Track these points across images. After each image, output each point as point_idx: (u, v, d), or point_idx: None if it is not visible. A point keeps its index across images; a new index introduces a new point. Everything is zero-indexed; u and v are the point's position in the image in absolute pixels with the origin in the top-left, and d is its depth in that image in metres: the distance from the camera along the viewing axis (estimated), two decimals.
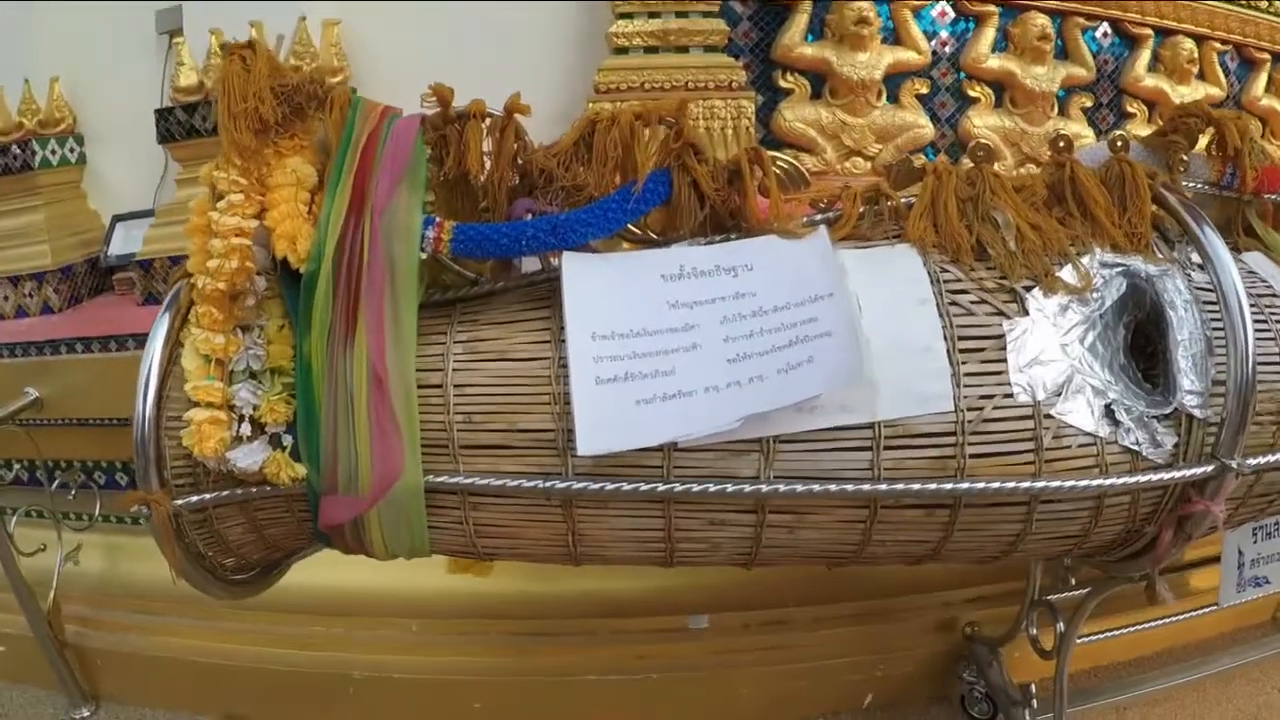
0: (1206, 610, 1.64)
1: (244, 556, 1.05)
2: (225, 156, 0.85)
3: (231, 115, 0.83)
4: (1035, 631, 1.52)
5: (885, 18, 1.96)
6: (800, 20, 1.90)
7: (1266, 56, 2.42)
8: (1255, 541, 1.52)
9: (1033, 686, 1.53)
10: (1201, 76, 2.32)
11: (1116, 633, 1.63)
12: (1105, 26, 2.16)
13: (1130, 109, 2.24)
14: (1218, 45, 2.32)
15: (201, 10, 1.86)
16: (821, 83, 1.96)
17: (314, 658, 1.75)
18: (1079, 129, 2.07)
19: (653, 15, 1.79)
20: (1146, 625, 1.66)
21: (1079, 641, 1.46)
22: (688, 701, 1.74)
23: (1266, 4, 2.35)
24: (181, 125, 1.85)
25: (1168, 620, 1.72)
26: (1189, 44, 2.24)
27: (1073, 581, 1.50)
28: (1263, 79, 2.44)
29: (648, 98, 1.75)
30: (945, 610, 1.82)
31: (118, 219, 2.07)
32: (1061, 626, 1.40)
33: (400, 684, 1.70)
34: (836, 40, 1.92)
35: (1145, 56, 2.22)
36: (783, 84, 1.95)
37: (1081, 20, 2.10)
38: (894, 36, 1.98)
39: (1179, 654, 1.86)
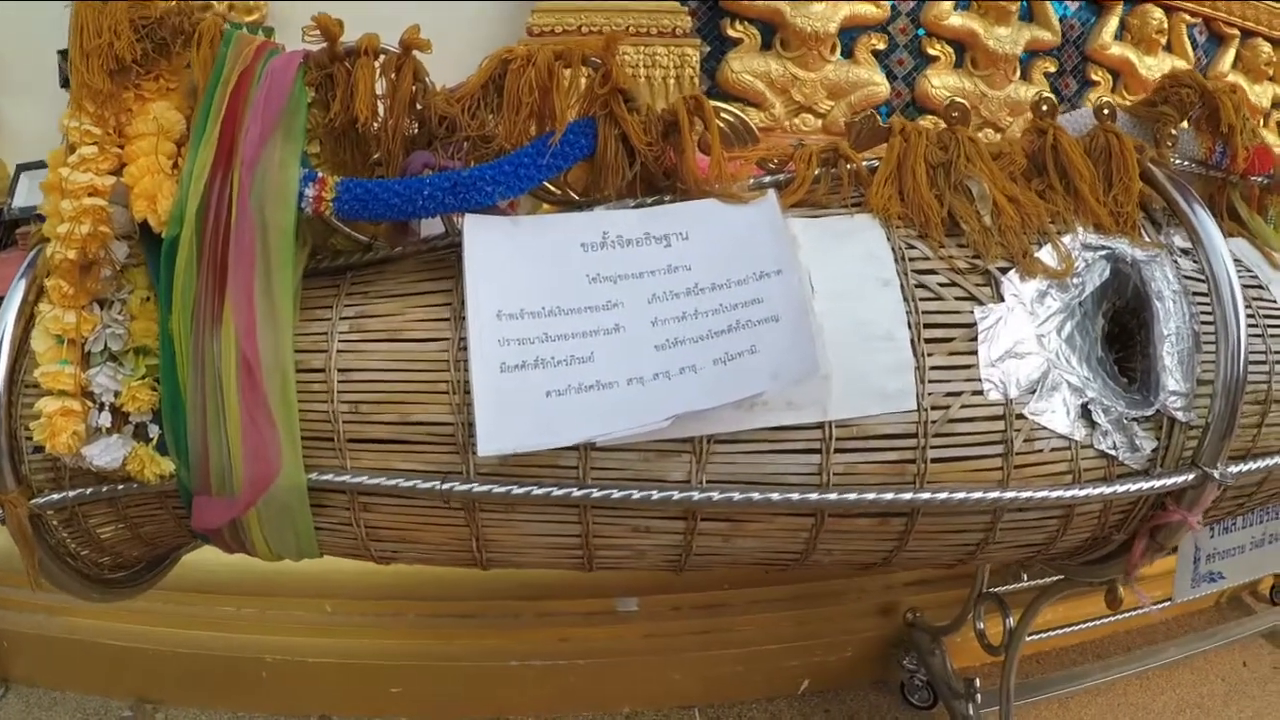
0: (1160, 605, 1.60)
1: (121, 554, 0.92)
2: (76, 103, 0.70)
3: (84, 53, 0.68)
4: (982, 625, 1.45)
5: None
6: None
7: (1235, 32, 2.38)
8: (1212, 537, 1.47)
9: (977, 681, 1.48)
10: (1169, 48, 2.25)
11: (1067, 630, 1.59)
12: None
13: (1094, 76, 2.16)
14: (1187, 17, 2.28)
15: None
16: (772, 33, 1.88)
17: (226, 639, 1.64)
18: (1046, 93, 1.97)
19: None
20: (1096, 622, 1.62)
21: (1028, 638, 1.41)
22: (617, 687, 1.66)
23: None
24: None
25: (1121, 616, 1.69)
26: (1158, 14, 2.19)
27: (1024, 576, 1.44)
28: (1230, 55, 2.40)
29: (579, 47, 1.63)
30: (887, 594, 1.75)
31: (22, 168, 1.92)
32: (1011, 623, 1.32)
33: (315, 667, 1.60)
34: None
35: (1113, 24, 2.15)
36: (731, 33, 1.85)
37: None
38: None
39: (1124, 641, 1.83)
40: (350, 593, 1.70)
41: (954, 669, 1.57)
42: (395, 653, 1.63)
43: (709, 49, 1.83)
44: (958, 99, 0.95)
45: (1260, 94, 2.46)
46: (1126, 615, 1.70)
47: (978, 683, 1.47)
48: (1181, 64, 2.27)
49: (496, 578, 1.71)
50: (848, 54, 1.93)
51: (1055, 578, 1.27)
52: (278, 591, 1.71)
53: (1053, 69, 2.10)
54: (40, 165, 1.90)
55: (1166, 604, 1.57)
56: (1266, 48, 2.44)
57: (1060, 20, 2.10)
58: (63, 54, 1.72)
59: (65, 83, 1.71)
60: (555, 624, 1.68)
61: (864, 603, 1.77)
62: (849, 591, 1.78)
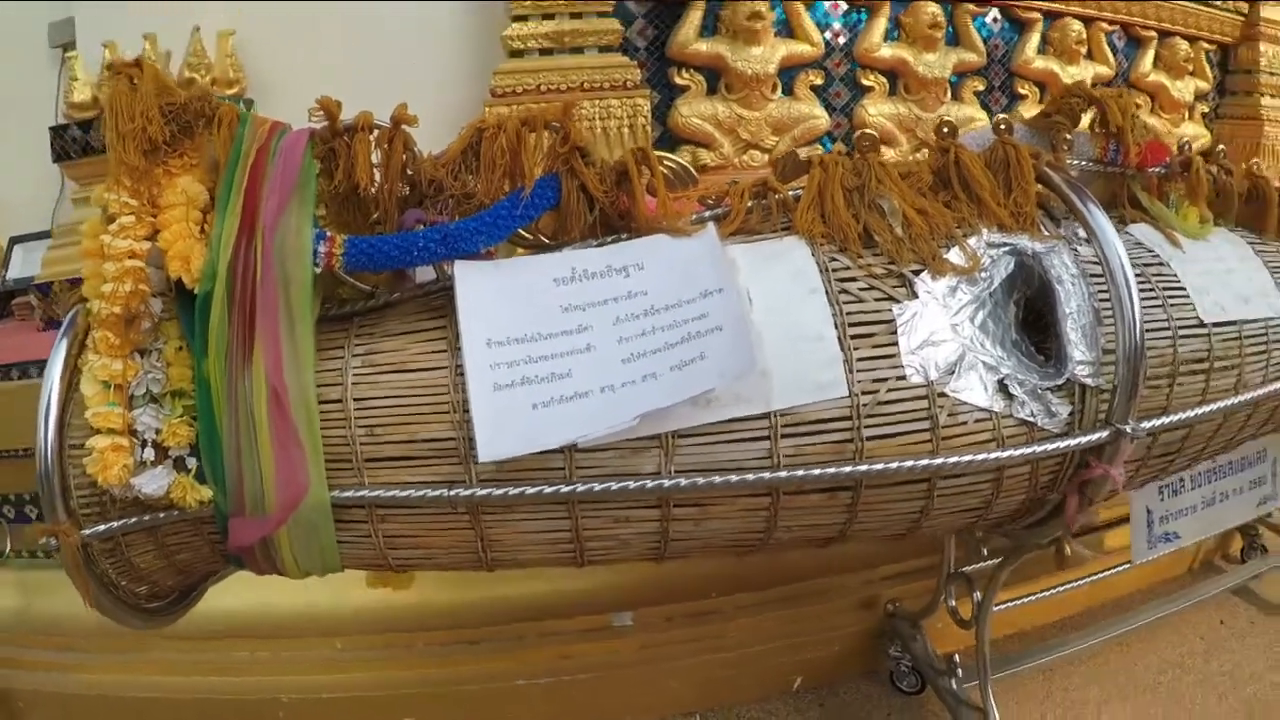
0: (1121, 568, 1.76)
1: (157, 583, 1.05)
2: (114, 178, 0.84)
3: (120, 136, 0.83)
4: (954, 603, 1.61)
5: (778, 12, 2.03)
6: (694, 17, 1.96)
7: (1152, 34, 2.59)
8: (1162, 500, 1.64)
9: (957, 656, 1.63)
10: (1090, 56, 2.46)
11: (1033, 598, 1.74)
12: (995, 12, 2.28)
13: (1022, 90, 2.36)
14: (1105, 25, 2.47)
15: (95, 22, 1.84)
16: (717, 78, 2.04)
17: (241, 683, 1.74)
18: (972, 112, 2.17)
19: (547, 17, 1.83)
20: (1063, 587, 1.77)
21: (997, 609, 1.56)
22: (617, 699, 1.78)
23: None
24: (76, 143, 1.82)
25: (1085, 580, 1.84)
26: (1077, 25, 2.38)
27: (985, 552, 1.59)
28: (1150, 55, 2.61)
29: (544, 99, 1.80)
30: (866, 589, 1.90)
31: (15, 240, 2.03)
32: (978, 596, 1.48)
33: (330, 703, 1.71)
34: (731, 35, 1.98)
35: (1035, 39, 2.35)
36: (678, 80, 2.01)
37: (971, 7, 2.22)
38: (787, 30, 2.06)
39: (1099, 614, 1.97)
40: (359, 629, 1.82)
41: (935, 650, 1.72)
42: (406, 682, 1.73)
43: (659, 97, 1.99)
44: (875, 130, 1.12)
45: (1182, 89, 2.68)
46: (1100, 576, 1.85)
47: (958, 658, 1.62)
48: (1104, 70, 2.49)
49: (497, 603, 1.86)
50: (788, 91, 2.10)
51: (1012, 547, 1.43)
52: (288, 633, 1.82)
53: (981, 87, 2.29)
54: (33, 237, 2.02)
55: (1126, 566, 1.74)
56: (1184, 45, 2.66)
57: (985, 41, 2.29)
58: (56, 130, 1.87)
59: (58, 157, 1.85)
60: (556, 642, 1.80)
61: (846, 599, 1.91)
62: (831, 589, 1.92)
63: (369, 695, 1.72)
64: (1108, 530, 2.02)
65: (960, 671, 1.60)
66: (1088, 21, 2.46)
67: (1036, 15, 2.35)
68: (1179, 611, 2.09)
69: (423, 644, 1.80)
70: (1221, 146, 2.56)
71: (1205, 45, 2.79)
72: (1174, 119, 2.68)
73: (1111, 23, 2.52)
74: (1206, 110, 2.87)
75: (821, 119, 2.09)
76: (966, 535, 1.58)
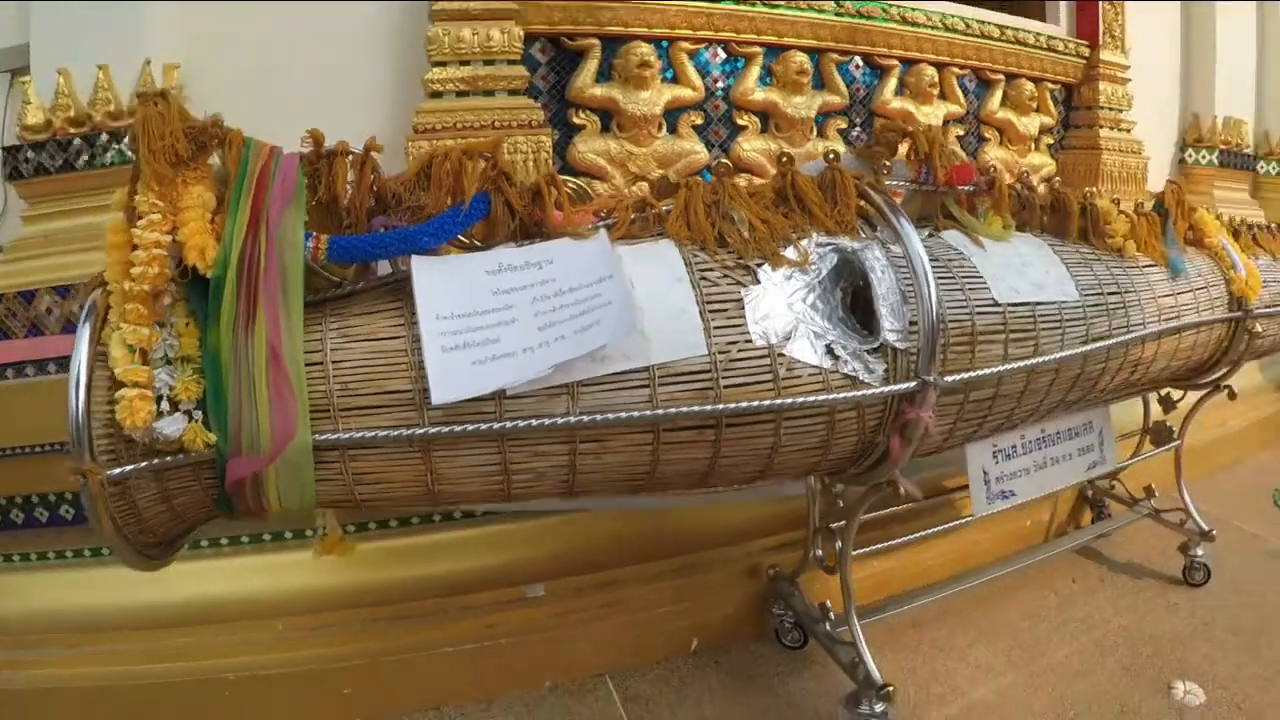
0: (966, 520, 2.21)
1: (153, 530, 1.36)
2: (146, 183, 1.15)
3: (151, 151, 1.14)
4: (820, 553, 2.03)
5: (664, 60, 2.45)
6: (591, 65, 2.36)
7: (1000, 76, 3.14)
8: (997, 462, 2.09)
9: (828, 603, 2.04)
10: (943, 96, 2.99)
11: (889, 544, 2.16)
12: (858, 59, 2.78)
13: (892, 121, 2.85)
14: (957, 70, 3.00)
15: (49, 50, 2.12)
16: (610, 118, 2.42)
17: (188, 667, 2.00)
18: (836, 146, 2.61)
19: (464, 63, 2.19)
20: (922, 533, 2.20)
21: (868, 562, 1.98)
22: (534, 661, 2.12)
23: (999, 32, 3.06)
24: (30, 163, 2.10)
25: (941, 528, 2.28)
26: (930, 70, 2.90)
27: (841, 504, 2.01)
28: (998, 95, 3.16)
29: (460, 135, 2.14)
30: (749, 559, 2.30)
31: None
32: (839, 544, 1.90)
33: (274, 679, 1.99)
34: (622, 81, 2.39)
35: (892, 83, 2.85)
36: (576, 120, 2.40)
37: (835, 55, 2.70)
38: (672, 76, 2.48)
39: (963, 578, 2.41)
40: (296, 610, 2.11)
41: (810, 602, 2.13)
42: (343, 656, 2.03)
43: (559, 135, 2.35)
44: (724, 161, 1.54)
45: (1028, 124, 3.22)
46: (950, 526, 2.30)
47: (829, 603, 2.03)
48: (955, 108, 3.00)
49: (424, 580, 2.19)
50: (672, 130, 2.50)
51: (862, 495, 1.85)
52: (231, 618, 2.10)
53: (844, 125, 2.75)
54: None
55: (969, 519, 2.19)
56: (1030, 85, 3.20)
57: (847, 84, 2.76)
58: (9, 150, 2.14)
59: (11, 176, 2.12)
60: (477, 614, 2.13)
61: (733, 568, 2.30)
62: (720, 560, 2.31)
63: (310, 670, 2.01)
64: (955, 494, 2.49)
65: (832, 615, 2.01)
66: (940, 66, 2.96)
67: (895, 62, 2.84)
68: (1035, 571, 2.57)
69: (357, 621, 2.11)
70: (1050, 171, 3.15)
71: (1050, 85, 3.37)
72: (1021, 150, 3.23)
73: (962, 67, 3.03)
74: (1052, 142, 3.45)
75: (702, 154, 2.50)
76: (825, 494, 1.99)
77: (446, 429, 1.24)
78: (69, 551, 2.19)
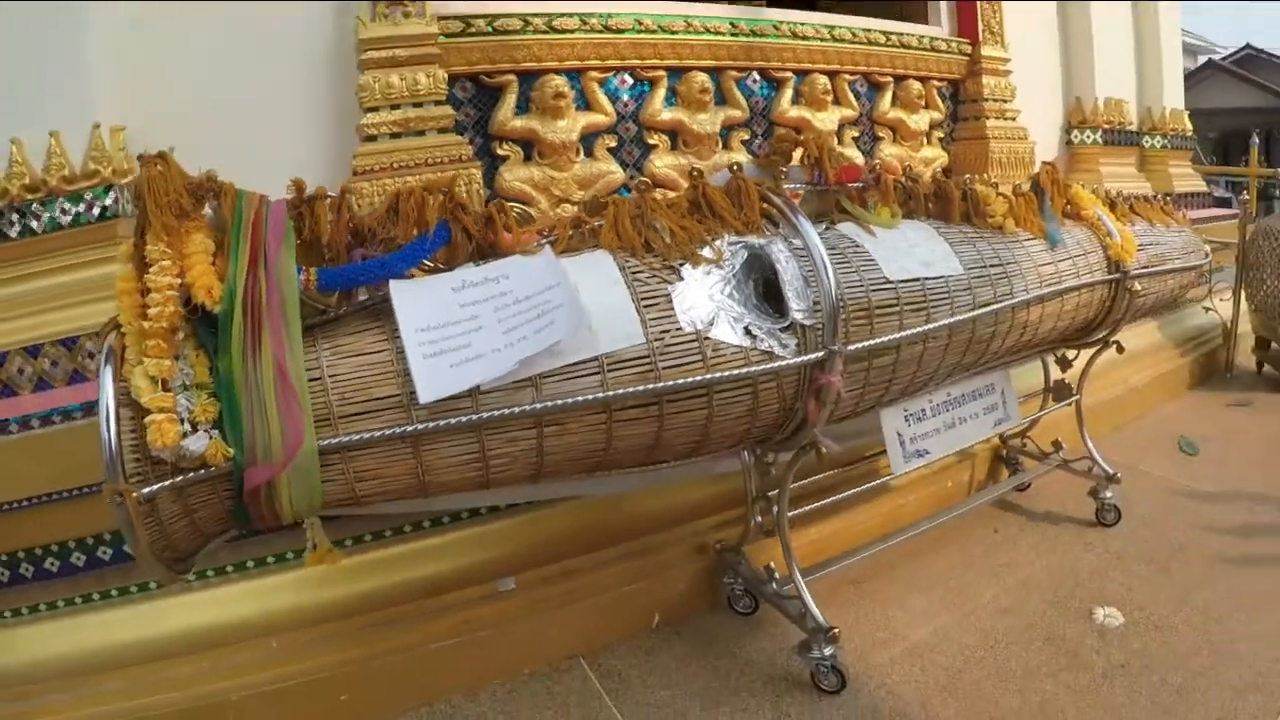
0: (887, 479, 2.57)
1: (176, 545, 1.61)
2: (155, 234, 1.40)
3: (158, 206, 1.40)
4: (760, 519, 2.36)
5: (577, 90, 2.78)
6: (510, 99, 2.69)
7: (889, 79, 3.56)
8: (909, 425, 2.44)
9: (772, 564, 2.37)
10: (837, 102, 3.40)
11: (822, 504, 2.50)
12: (755, 74, 3.16)
13: (785, 131, 3.23)
14: (848, 76, 3.41)
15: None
16: (531, 147, 2.75)
17: (191, 694, 2.18)
18: (740, 157, 2.98)
19: (394, 107, 2.49)
20: (853, 491, 2.55)
21: (805, 530, 2.31)
22: (512, 648, 2.39)
23: (885, 38, 3.48)
24: None
25: (867, 487, 2.62)
26: (823, 79, 3.30)
27: (774, 473, 2.35)
28: (888, 96, 3.58)
29: (396, 175, 2.43)
30: (698, 536, 2.62)
31: None
32: (776, 509, 2.24)
33: (275, 693, 2.20)
34: (540, 112, 2.72)
35: (789, 94, 3.24)
36: (500, 151, 2.72)
37: (734, 72, 3.08)
38: (585, 103, 2.81)
39: (893, 536, 2.74)
40: (287, 628, 2.35)
41: (757, 568, 2.45)
42: (336, 664, 2.26)
43: (486, 165, 2.64)
44: (643, 179, 1.87)
45: (918, 120, 3.64)
46: (875, 482, 2.66)
47: (773, 565, 2.36)
48: (849, 112, 3.40)
49: (404, 585, 2.45)
50: (589, 153, 2.81)
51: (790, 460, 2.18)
52: (226, 642, 2.32)
53: (747, 136, 3.11)
54: None
55: (890, 478, 2.55)
56: (917, 85, 3.63)
57: (747, 99, 3.11)
58: None
59: None
60: (455, 611, 2.39)
61: (683, 547, 2.61)
62: (670, 542, 2.62)
63: (307, 681, 2.23)
64: (877, 457, 2.85)
65: (777, 575, 2.34)
66: (832, 74, 3.36)
67: (789, 74, 3.23)
68: (959, 525, 2.94)
69: (346, 631, 2.34)
70: (943, 163, 3.56)
71: (937, 83, 3.81)
72: (914, 145, 3.65)
73: (853, 73, 3.43)
74: (943, 135, 3.89)
75: (618, 174, 2.83)
76: (759, 466, 2.32)
77: (433, 424, 1.53)
78: (60, 601, 2.35)
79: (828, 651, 2.18)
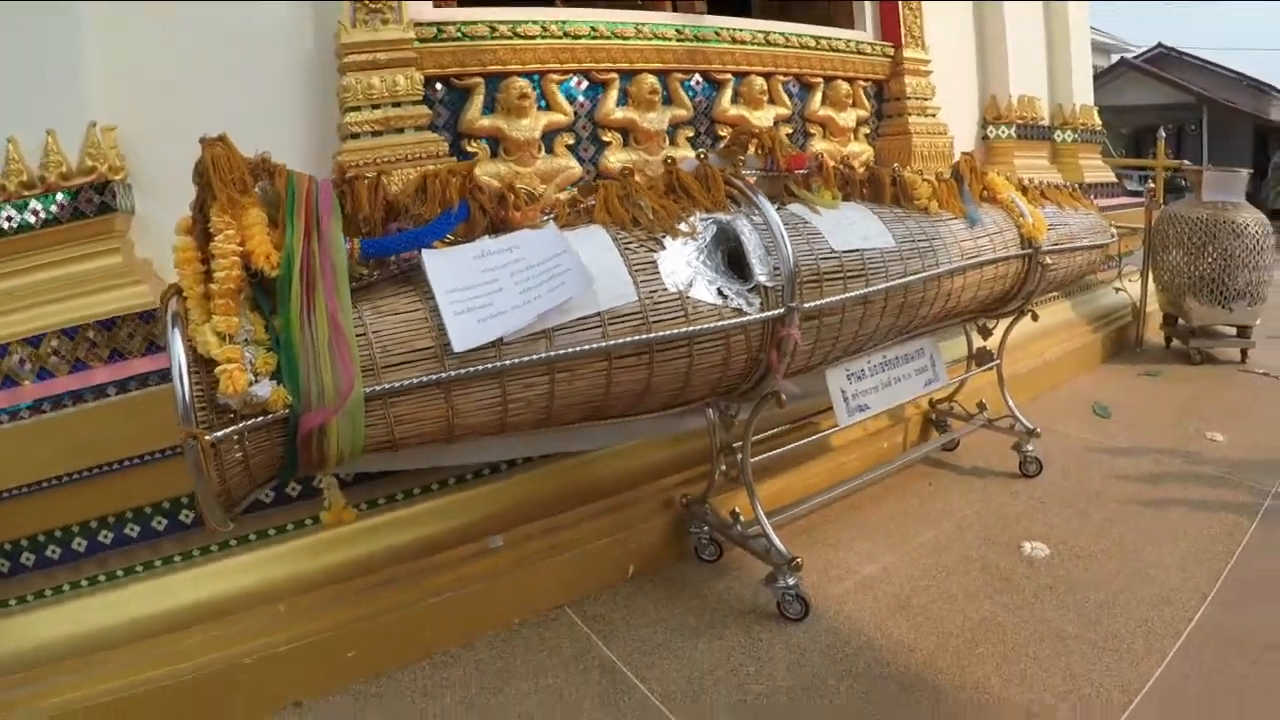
0: (834, 430, 3.02)
1: (230, 491, 1.92)
2: (221, 207, 1.70)
3: (224, 182, 1.72)
4: (724, 467, 2.78)
5: (538, 91, 3.17)
6: (477, 100, 3.06)
7: (819, 80, 4.05)
8: (851, 383, 2.89)
9: (736, 508, 2.79)
10: (772, 101, 3.87)
11: (780, 451, 2.93)
12: (698, 76, 3.61)
13: (721, 133, 3.67)
14: (782, 77, 3.89)
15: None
16: (497, 144, 3.12)
17: (204, 661, 2.39)
18: (685, 153, 3.38)
19: (375, 106, 2.83)
20: (806, 440, 2.99)
21: (761, 484, 2.73)
22: (503, 601, 2.74)
23: (815, 43, 3.97)
24: None
25: (817, 436, 3.07)
26: (760, 81, 3.76)
27: (737, 423, 2.76)
28: (818, 96, 4.07)
29: (378, 170, 2.69)
30: (666, 493, 3.03)
31: None
32: (740, 456, 2.66)
33: (285, 654, 2.45)
34: (505, 112, 3.10)
35: (729, 94, 3.68)
36: (469, 149, 3.08)
37: (679, 75, 3.51)
38: (546, 104, 3.19)
39: (838, 487, 3.23)
40: (292, 592, 2.64)
41: (722, 516, 2.86)
42: (341, 623, 2.53)
43: (457, 161, 2.94)
44: (628, 165, 2.29)
45: (846, 118, 4.12)
46: (830, 433, 3.10)
47: (737, 509, 2.78)
48: (783, 110, 3.86)
49: (401, 547, 2.77)
50: (549, 150, 3.19)
51: (754, 409, 2.60)
52: (237, 609, 2.58)
53: (691, 133, 3.54)
54: None
55: (833, 430, 2.99)
56: (845, 85, 4.12)
57: (691, 99, 3.54)
58: None
59: None
60: (450, 568, 2.73)
61: (652, 502, 3.00)
62: (642, 498, 3.00)
63: (315, 641, 2.49)
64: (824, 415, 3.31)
65: (741, 519, 2.76)
66: (768, 76, 3.81)
67: (729, 76, 3.67)
68: (896, 481, 3.41)
69: (349, 592, 2.63)
70: (869, 157, 4.06)
71: (863, 83, 4.31)
72: (842, 141, 4.14)
73: (786, 75, 3.90)
74: (868, 131, 4.39)
75: (576, 169, 3.23)
76: (723, 421, 2.73)
77: (464, 371, 1.89)
78: (66, 585, 2.55)
79: (791, 581, 2.59)
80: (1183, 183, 5.89)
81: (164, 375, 2.49)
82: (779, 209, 2.50)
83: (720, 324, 2.13)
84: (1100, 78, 22.04)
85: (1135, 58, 23.04)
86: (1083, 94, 5.80)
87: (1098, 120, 5.93)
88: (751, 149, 2.53)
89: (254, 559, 2.69)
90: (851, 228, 2.58)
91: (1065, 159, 5.68)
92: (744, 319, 2.17)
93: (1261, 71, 22.67)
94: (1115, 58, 23.61)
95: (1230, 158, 18.61)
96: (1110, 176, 6.05)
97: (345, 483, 2.70)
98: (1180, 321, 5.57)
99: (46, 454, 2.48)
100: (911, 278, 2.67)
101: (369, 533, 2.76)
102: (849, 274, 2.48)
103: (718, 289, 2.16)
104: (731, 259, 2.28)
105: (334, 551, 2.71)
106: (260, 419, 1.80)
